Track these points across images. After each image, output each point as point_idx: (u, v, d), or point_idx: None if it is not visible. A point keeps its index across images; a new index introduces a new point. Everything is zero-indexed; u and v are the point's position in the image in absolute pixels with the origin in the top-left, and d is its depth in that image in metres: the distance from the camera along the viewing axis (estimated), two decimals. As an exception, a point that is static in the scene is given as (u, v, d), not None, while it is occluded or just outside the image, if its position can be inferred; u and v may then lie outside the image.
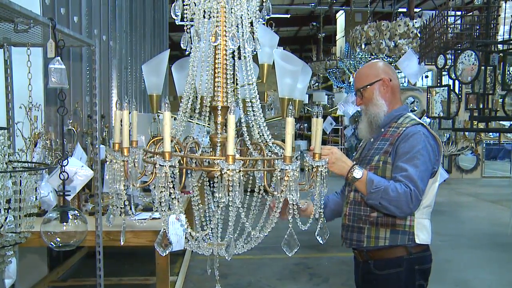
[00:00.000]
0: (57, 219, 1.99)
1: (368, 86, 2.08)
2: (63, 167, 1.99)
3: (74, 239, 2.02)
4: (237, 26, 1.23)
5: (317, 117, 1.15)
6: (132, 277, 4.49)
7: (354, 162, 1.94)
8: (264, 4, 1.27)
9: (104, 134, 4.19)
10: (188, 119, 1.30)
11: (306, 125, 15.82)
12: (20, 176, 1.83)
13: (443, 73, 3.88)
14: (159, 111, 1.46)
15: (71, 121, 3.69)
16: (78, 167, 2.72)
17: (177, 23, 1.25)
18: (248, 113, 1.25)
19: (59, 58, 2.10)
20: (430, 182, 2.00)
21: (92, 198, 3.24)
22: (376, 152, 2.02)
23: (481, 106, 3.40)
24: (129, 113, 1.23)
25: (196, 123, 1.33)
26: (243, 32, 1.23)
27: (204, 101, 1.26)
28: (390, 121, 2.08)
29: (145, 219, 1.37)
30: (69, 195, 2.59)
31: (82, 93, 4.34)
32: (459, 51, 3.36)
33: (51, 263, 4.38)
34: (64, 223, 1.98)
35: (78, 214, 2.03)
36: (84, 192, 3.31)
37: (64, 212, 1.99)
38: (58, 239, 2.00)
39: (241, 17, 1.23)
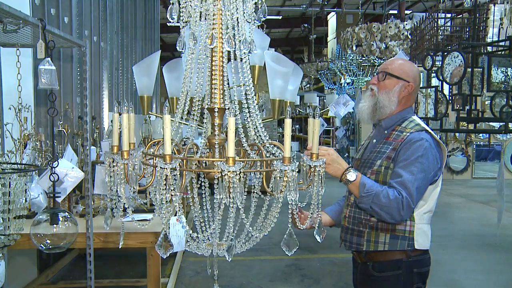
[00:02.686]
0: (47, 221, 1.97)
1: (395, 78, 2.02)
2: (53, 169, 1.98)
3: (64, 241, 2.01)
4: (233, 28, 1.23)
5: (314, 117, 1.16)
6: (123, 279, 4.46)
7: (350, 164, 1.93)
8: (259, 6, 1.27)
9: (94, 135, 4.17)
10: (183, 122, 1.29)
11: (297, 126, 15.85)
12: (10, 178, 1.82)
13: (432, 75, 3.89)
14: (150, 113, 1.45)
15: (61, 122, 3.66)
16: (68, 168, 2.70)
17: (168, 25, 1.25)
18: (244, 114, 1.24)
19: (49, 59, 2.09)
20: (431, 188, 1.99)
21: (83, 199, 3.22)
22: (379, 156, 1.99)
23: (467, 107, 3.42)
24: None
25: (190, 125, 1.32)
26: (238, 34, 1.23)
27: (197, 103, 1.26)
28: (393, 124, 2.04)
29: (148, 220, 1.35)
30: (59, 196, 2.57)
31: (72, 94, 4.32)
32: (446, 53, 3.38)
33: (41, 265, 4.33)
34: (54, 225, 1.97)
35: (69, 216, 2.02)
36: (74, 194, 3.29)
37: (54, 214, 1.97)
38: (48, 241, 1.99)
39: (237, 19, 1.22)
